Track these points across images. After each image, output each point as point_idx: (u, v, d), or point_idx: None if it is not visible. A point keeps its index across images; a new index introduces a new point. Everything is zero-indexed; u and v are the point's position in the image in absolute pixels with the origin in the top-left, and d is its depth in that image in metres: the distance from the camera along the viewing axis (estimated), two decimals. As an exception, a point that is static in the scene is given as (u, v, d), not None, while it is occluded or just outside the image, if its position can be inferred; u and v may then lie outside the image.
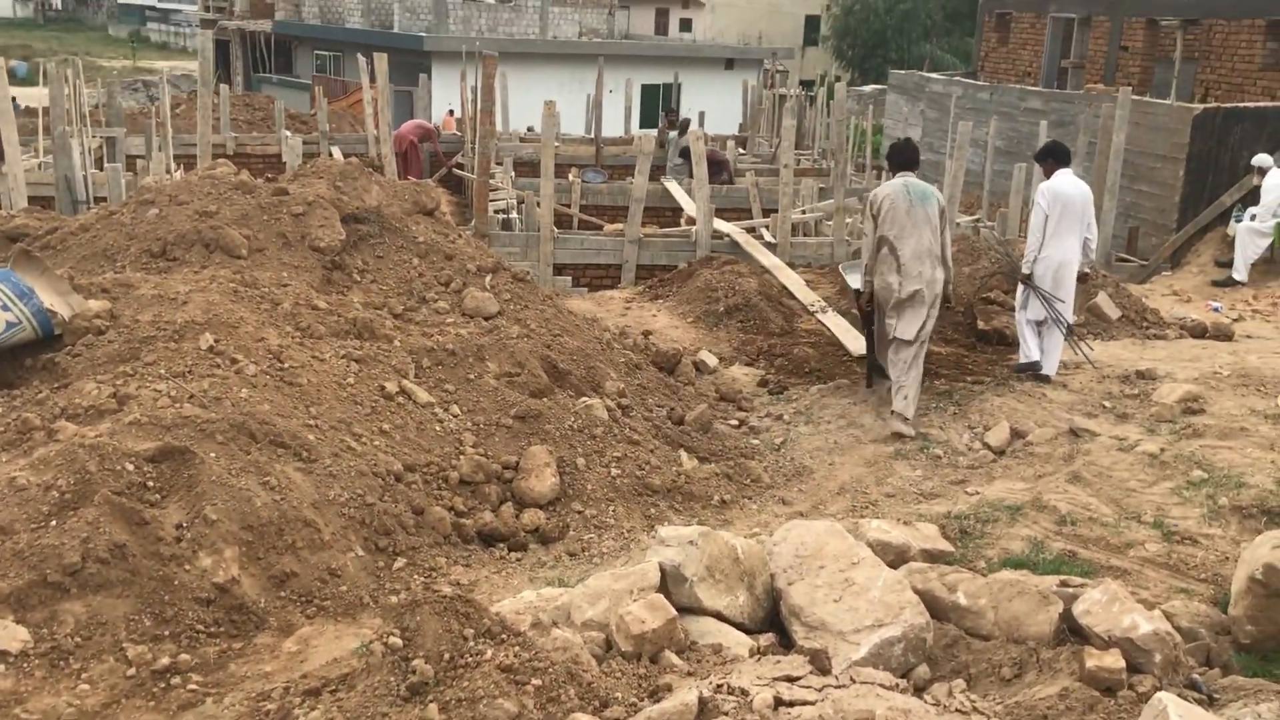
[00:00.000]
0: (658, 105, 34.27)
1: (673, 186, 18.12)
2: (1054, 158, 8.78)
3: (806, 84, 39.02)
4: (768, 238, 13.88)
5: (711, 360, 9.15)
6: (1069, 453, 7.07)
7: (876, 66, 45.55)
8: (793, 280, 11.77)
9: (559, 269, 13.34)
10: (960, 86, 24.29)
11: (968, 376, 8.87)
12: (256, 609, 4.74)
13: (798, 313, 10.72)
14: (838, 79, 25.90)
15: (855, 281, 9.01)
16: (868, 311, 8.44)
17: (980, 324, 10.02)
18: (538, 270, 12.89)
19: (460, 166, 20.85)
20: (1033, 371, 8.56)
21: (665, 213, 18.23)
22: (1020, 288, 8.72)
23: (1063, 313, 8.54)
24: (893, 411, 7.83)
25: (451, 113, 30.24)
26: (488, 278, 7.80)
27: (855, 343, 9.50)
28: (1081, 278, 8.77)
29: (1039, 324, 8.64)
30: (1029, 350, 8.63)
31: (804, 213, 15.89)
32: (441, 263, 7.83)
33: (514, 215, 15.37)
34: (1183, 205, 16.96)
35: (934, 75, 27.01)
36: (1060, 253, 8.48)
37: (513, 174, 18.65)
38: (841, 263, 11.16)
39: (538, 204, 13.66)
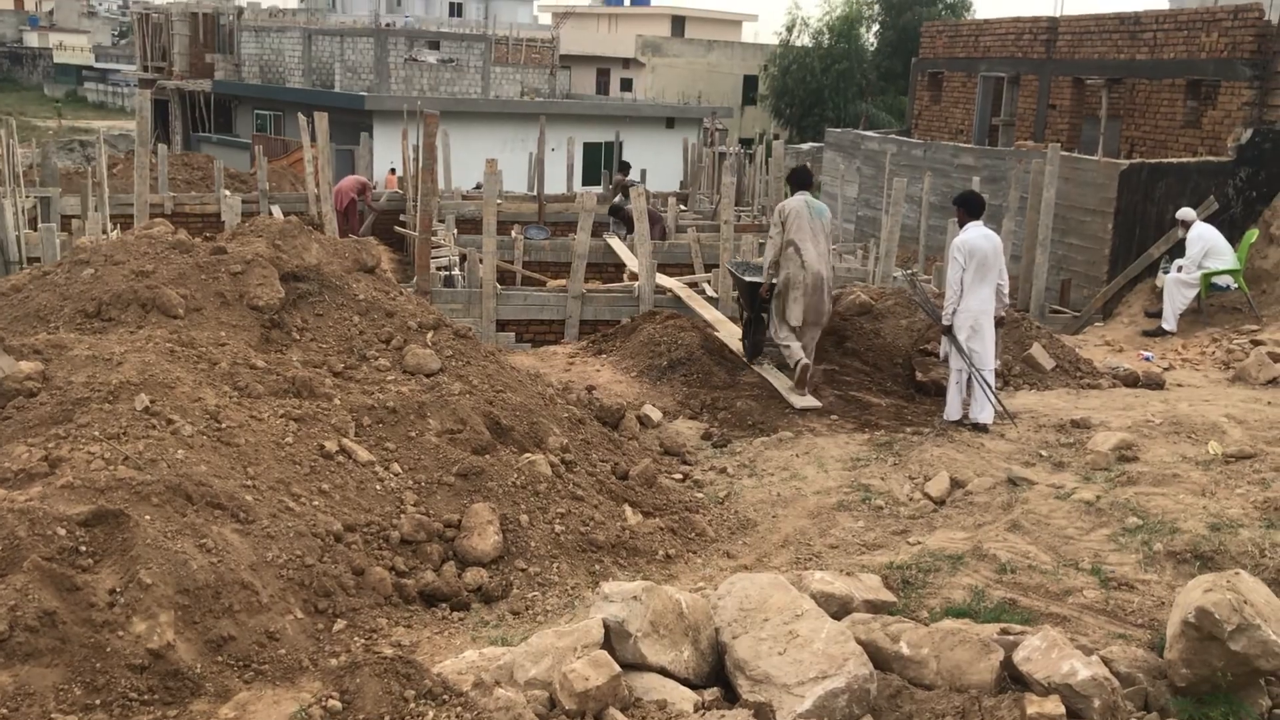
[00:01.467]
0: (600, 163, 34.60)
1: (615, 242, 18.25)
2: (966, 208, 9.12)
3: (745, 142, 39.65)
4: (710, 292, 14.01)
5: (655, 414, 9.17)
6: (1008, 501, 7.16)
7: (814, 124, 46.41)
8: (734, 335, 11.86)
9: (502, 325, 13.34)
10: (895, 144, 24.80)
11: (907, 427, 8.98)
12: (192, 675, 4.64)
13: (740, 366, 10.81)
14: (776, 137, 26.36)
15: (752, 276, 10.73)
16: (766, 300, 10.27)
17: (919, 375, 10.17)
18: (480, 326, 12.87)
19: (402, 224, 20.84)
20: (968, 426, 8.87)
21: (608, 268, 18.33)
22: (944, 340, 9.16)
23: (981, 361, 8.91)
24: (800, 366, 9.62)
25: (393, 171, 30.26)
26: (429, 334, 7.79)
27: (796, 396, 9.61)
28: (999, 322, 9.13)
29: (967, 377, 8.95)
30: (950, 407, 8.96)
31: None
32: (382, 320, 7.80)
33: (456, 272, 15.37)
34: (1112, 257, 17.40)
35: (869, 133, 27.58)
36: (977, 303, 8.88)
37: (455, 231, 18.68)
38: (730, 263, 12.36)
39: (480, 260, 13.68)
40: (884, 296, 11.38)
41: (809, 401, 9.53)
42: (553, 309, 13.51)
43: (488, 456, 6.66)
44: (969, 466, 7.85)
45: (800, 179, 10.35)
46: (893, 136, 26.46)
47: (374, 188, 22.77)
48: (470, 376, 7.46)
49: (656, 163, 33.28)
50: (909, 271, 16.51)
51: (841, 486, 7.70)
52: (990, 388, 9.00)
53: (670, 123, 38.52)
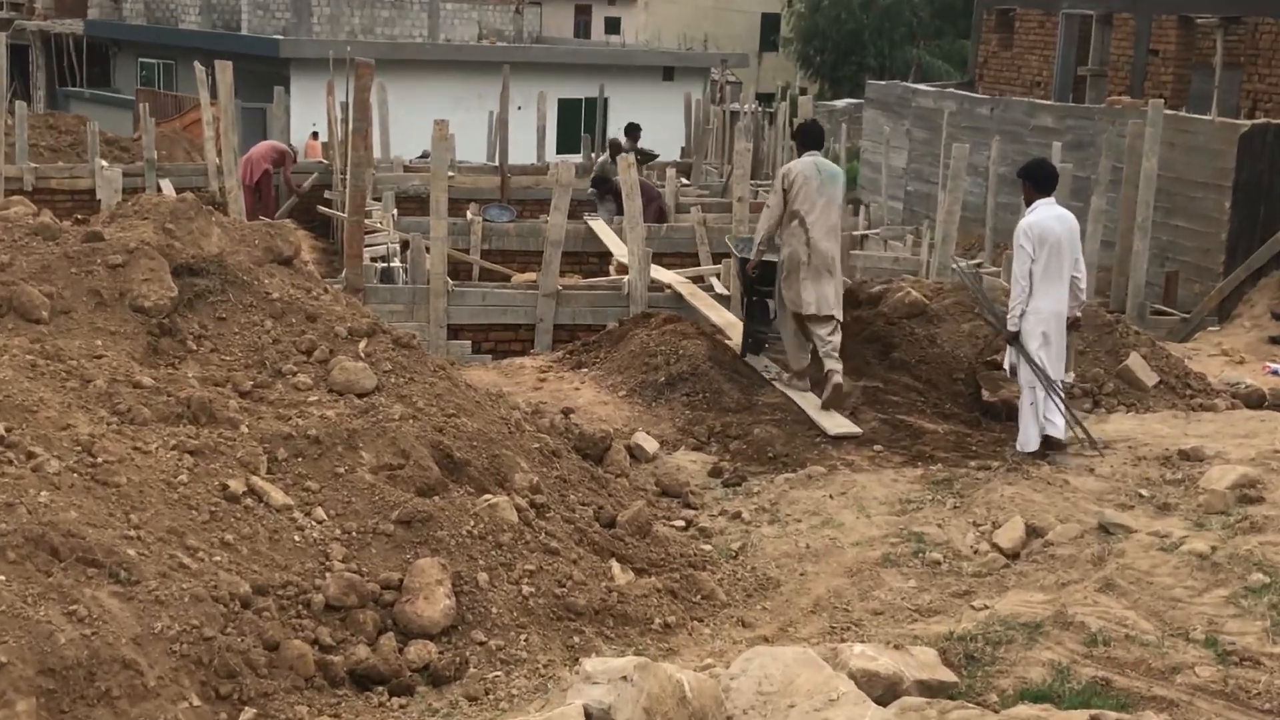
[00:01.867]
0: (579, 124, 34.70)
1: (599, 225, 18.30)
2: (1034, 182, 9.21)
3: (764, 98, 39.81)
4: (719, 289, 14.05)
5: (650, 444, 9.19)
6: (1099, 554, 7.18)
7: (851, 75, 46.62)
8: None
9: (454, 331, 13.35)
10: (954, 100, 24.94)
11: (971, 461, 9.02)
12: (58, 779, 4.63)
13: (758, 382, 10.82)
14: (803, 92, 26.49)
15: (745, 253, 11.09)
16: (754, 278, 10.83)
17: (986, 394, 10.21)
18: (427, 333, 12.87)
19: (328, 203, 20.89)
20: (1046, 454, 8.95)
21: (589, 258, 18.35)
22: (1009, 350, 9.22)
23: (1052, 374, 8.99)
24: (828, 373, 9.97)
25: (316, 135, 30.29)
26: (362, 343, 7.80)
27: (829, 420, 9.65)
28: (1073, 324, 9.24)
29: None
30: (1027, 434, 9.01)
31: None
32: (302, 325, 7.81)
33: (396, 264, 15.38)
34: (1230, 244, 17.48)
35: (922, 87, 27.75)
36: (1050, 303, 8.99)
37: (394, 212, 18.70)
38: (730, 237, 12.80)
39: (427, 249, 13.69)
40: (941, 294, 11.43)
41: (846, 427, 9.57)
42: (519, 310, 13.53)
43: (437, 499, 6.67)
44: (1049, 510, 7.87)
45: (809, 137, 10.63)
46: (952, 91, 26.62)
47: (295, 158, 22.82)
48: (414, 397, 7.47)
49: (652, 125, 33.28)
50: (973, 262, 16.55)
51: (888, 536, 7.71)
52: (1065, 405, 9.07)
53: (668, 74, 38.68)
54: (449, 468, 7.03)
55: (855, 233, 19.93)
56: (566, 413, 9.58)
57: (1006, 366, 9.43)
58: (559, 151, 32.63)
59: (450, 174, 19.13)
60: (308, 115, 30.29)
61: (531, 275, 15.19)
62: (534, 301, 13.52)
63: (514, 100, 25.41)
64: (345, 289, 12.21)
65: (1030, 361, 9.02)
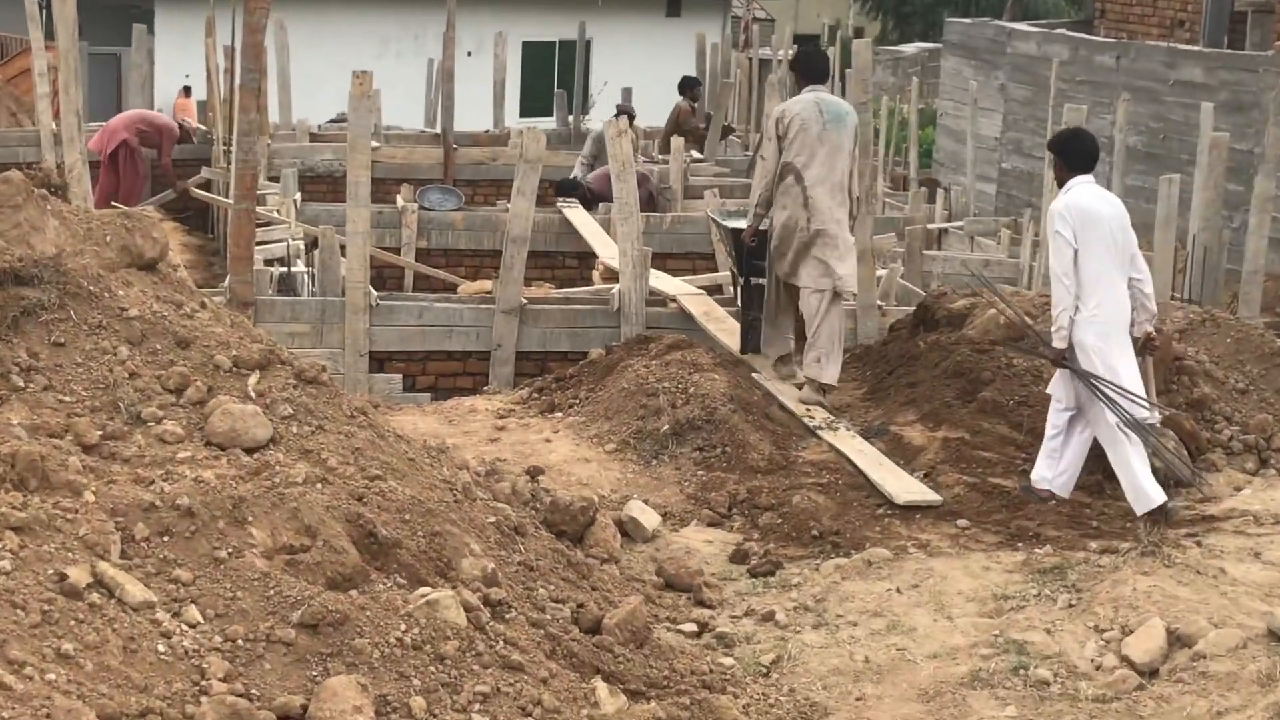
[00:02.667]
0: (553, 76, 34.76)
1: (578, 216, 18.31)
2: (1066, 156, 9.66)
3: (806, 41, 39.90)
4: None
5: (649, 518, 9.15)
6: (1268, 671, 7.14)
7: (924, 11, 46.79)
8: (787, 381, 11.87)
9: (380, 360, 13.35)
10: (1066, 45, 25.04)
11: (1091, 540, 8.99)
12: None
13: (796, 431, 10.79)
14: (857, 33, 26.60)
15: (735, 222, 12.09)
16: (751, 247, 11.64)
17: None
18: (342, 364, 12.86)
19: (206, 185, 20.87)
20: (1046, 496, 9.54)
21: (565, 260, 18.39)
22: (1057, 380, 9.58)
23: (1134, 404, 9.23)
24: (807, 380, 11.14)
25: (188, 91, 30.33)
26: (252, 378, 7.77)
27: (896, 483, 9.63)
28: (1146, 346, 9.59)
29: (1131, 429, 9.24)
30: (1143, 488, 9.25)
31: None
32: (171, 353, 7.78)
33: (300, 268, 15.37)
34: None
35: (1022, 26, 27.89)
36: (1111, 306, 9.33)
37: (298, 196, 18.73)
38: (713, 208, 13.89)
39: (342, 248, 13.67)
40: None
41: (919, 494, 9.59)
42: (469, 332, 13.53)
43: (355, 593, 6.62)
44: (1199, 609, 7.83)
45: (810, 67, 11.35)
46: (1063, 33, 26.72)
47: (191, 129, 22.72)
48: (324, 453, 7.44)
49: (649, 76, 33.47)
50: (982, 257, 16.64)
51: (977, 645, 7.67)
52: (1159, 444, 9.33)
53: (674, 7, 38.80)
54: (372, 550, 6.98)
55: (930, 225, 19.96)
56: (534, 474, 9.53)
57: (1056, 403, 9.62)
58: (524, 115, 32.75)
59: (374, 145, 19.17)
60: (178, 64, 30.39)
61: (486, 284, 15.18)
62: (489, 320, 13.51)
63: (462, 44, 25.50)
64: (230, 303, 12.17)
65: (1094, 387, 9.24)
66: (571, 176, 20.69)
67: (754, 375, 11.62)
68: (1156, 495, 9.22)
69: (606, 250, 16.25)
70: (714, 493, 9.70)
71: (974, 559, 8.79)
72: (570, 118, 27.65)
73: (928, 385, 10.68)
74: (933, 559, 8.79)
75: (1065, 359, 9.43)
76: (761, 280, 11.86)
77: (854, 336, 13.63)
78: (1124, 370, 9.37)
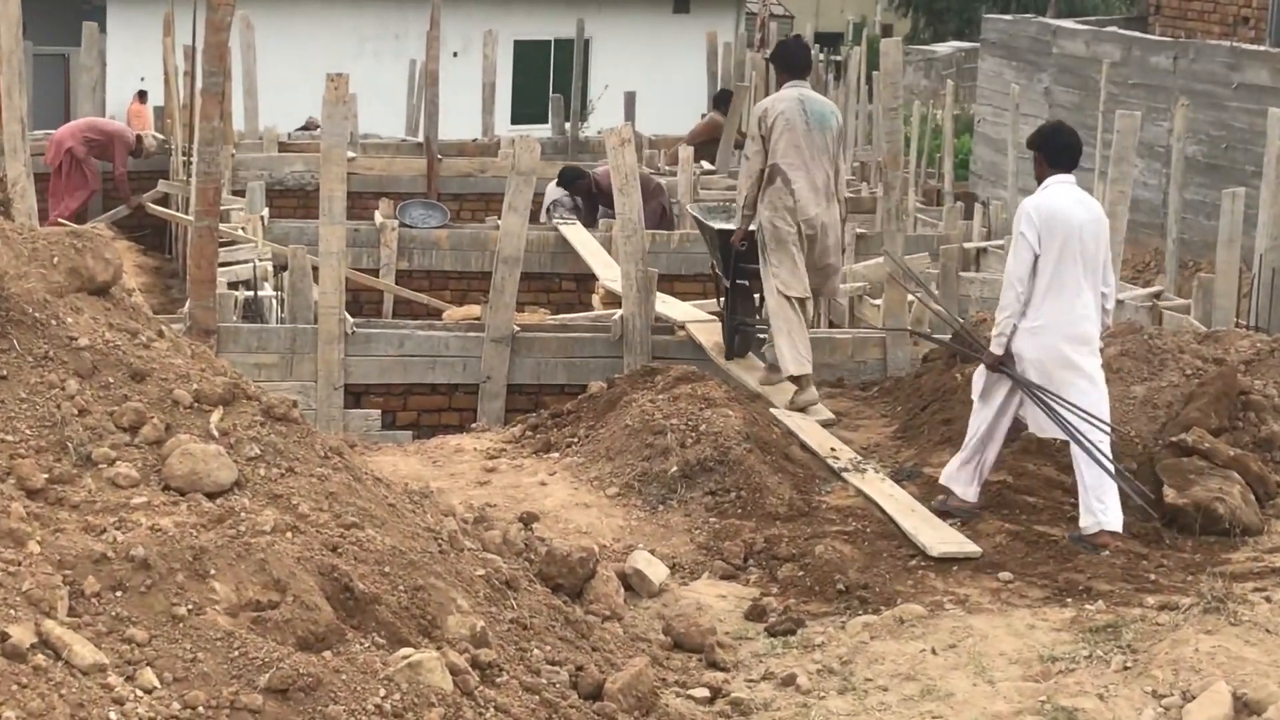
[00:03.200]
0: (547, 79, 34.80)
1: (576, 234, 18.31)
2: (1046, 152, 10.01)
3: (828, 40, 40.03)
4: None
5: (656, 570, 9.13)
6: (1347, 741, 7.11)
7: (960, 7, 46.89)
8: (810, 411, 11.84)
9: (357, 394, 13.33)
10: (1118, 44, 25.08)
11: (1147, 594, 8.98)
12: None
13: (819, 473, 10.76)
14: (886, 31, 26.61)
15: (723, 223, 12.74)
16: (740, 251, 12.28)
17: (1169, 494, 10.14)
18: (315, 398, 12.84)
19: (164, 199, 20.88)
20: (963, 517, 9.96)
21: (562, 283, 18.40)
22: (977, 380, 10.13)
23: (1086, 426, 9.57)
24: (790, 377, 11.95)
25: (144, 95, 30.34)
26: (215, 415, 7.76)
27: (930, 532, 9.61)
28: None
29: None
30: (1094, 508, 9.64)
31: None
32: (125, 388, 7.77)
33: (268, 291, 15.36)
34: None
35: (1068, 24, 27.95)
36: (1066, 318, 9.66)
37: (265, 212, 18.74)
38: (695, 205, 14.55)
39: (314, 269, 13.66)
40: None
41: (956, 543, 9.59)
42: (455, 363, 13.53)
43: (328, 654, 6.60)
44: (1269, 670, 7.80)
45: (792, 60, 12.00)
46: (1114, 30, 26.76)
47: (154, 140, 22.71)
48: (295, 498, 7.42)
49: (656, 80, 33.55)
50: (1152, 291, 16.53)
51: (1022, 712, 7.64)
52: (1111, 466, 9.59)
53: (682, 3, 38.86)
54: (348, 606, 6.96)
55: (967, 244, 19.95)
56: (527, 521, 9.51)
57: (976, 423, 10.05)
58: (516, 121, 32.78)
59: (351, 155, 19.17)
60: (132, 65, 30.45)
61: (474, 309, 15.16)
62: (477, 349, 13.51)
63: (448, 43, 25.55)
64: (190, 331, 12.15)
65: (1037, 397, 9.66)
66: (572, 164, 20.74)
67: (773, 411, 11.60)
68: (1112, 520, 9.58)
69: (607, 272, 16.23)
70: (728, 542, 9.67)
71: (1018, 616, 8.75)
72: (567, 125, 27.63)
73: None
74: (972, 616, 8.76)
75: (1003, 365, 9.79)
76: (746, 283, 12.54)
77: (883, 368, 13.63)
78: (1082, 384, 9.72)
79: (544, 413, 12.08)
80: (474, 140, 25.67)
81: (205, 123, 13.02)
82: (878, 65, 16.11)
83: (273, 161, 22.48)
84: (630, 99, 27.86)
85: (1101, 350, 10.01)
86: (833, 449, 11.00)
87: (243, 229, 17.60)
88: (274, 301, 15.00)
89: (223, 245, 14.90)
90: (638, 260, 13.64)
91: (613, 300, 15.02)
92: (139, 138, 22.08)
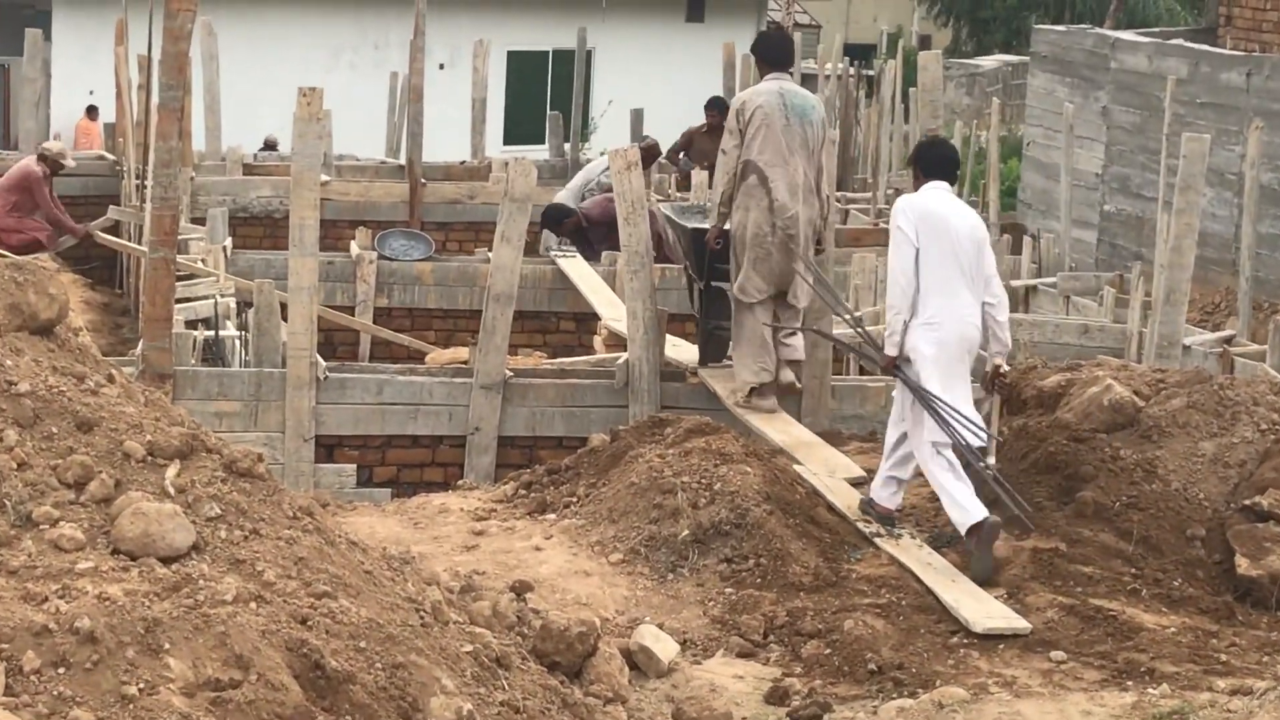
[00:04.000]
0: (545, 93, 34.84)
1: (575, 267, 18.31)
2: (923, 163, 11.00)
3: (858, 51, 40.11)
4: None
5: (665, 647, 9.12)
6: None
7: (1007, 17, 46.96)
8: (837, 467, 11.82)
9: (329, 447, 13.33)
10: (1185, 59, 25.11)
11: (1217, 676, 8.97)
12: None
13: (849, 538, 10.75)
14: (924, 43, 26.68)
15: (696, 222, 13.35)
16: (715, 251, 12.95)
17: (1243, 563, 10.13)
18: (283, 451, 12.84)
19: (113, 227, 20.88)
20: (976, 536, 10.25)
21: (560, 322, 18.39)
22: (899, 391, 10.83)
23: (965, 425, 10.28)
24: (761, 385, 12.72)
25: (93, 112, 30.39)
26: (171, 470, 7.76)
27: (974, 605, 9.59)
28: (996, 380, 10.93)
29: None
30: (961, 504, 10.33)
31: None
32: (69, 438, 7.78)
33: (230, 331, 15.37)
34: None
35: (1129, 35, 27.98)
36: (951, 319, 10.57)
37: (228, 242, 18.76)
38: (670, 205, 15.27)
39: (282, 307, 13.66)
40: (1164, 389, 11.42)
41: (1003, 618, 9.56)
42: (439, 413, 13.53)
43: (297, 741, 6.59)
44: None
45: (773, 50, 12.82)
46: (1180, 44, 26.80)
47: (56, 155, 22.62)
48: (260, 563, 7.42)
49: (665, 94, 33.56)
50: (1223, 336, 16.54)
51: (1076, 811, 7.62)
52: (991, 475, 10.38)
53: (696, 10, 38.93)
54: (318, 686, 6.96)
55: (1015, 282, 19.97)
56: (520, 591, 9.50)
57: (894, 418, 10.92)
58: (510, 142, 32.85)
59: (324, 178, 19.21)
60: (81, 76, 30.52)
61: (462, 352, 15.17)
62: (465, 397, 13.50)
63: (433, 54, 25.61)
64: (144, 375, 12.14)
65: (925, 400, 10.29)
66: (557, 201, 20.70)
67: (798, 469, 11.59)
68: (977, 511, 10.16)
69: (611, 310, 16.24)
70: (746, 615, 9.65)
71: (1072, 701, 8.74)
72: (566, 145, 27.66)
73: (1013, 482, 10.63)
74: (1020, 700, 8.74)
75: (897, 368, 10.61)
76: (723, 284, 13.19)
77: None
78: (960, 391, 10.48)
79: (539, 469, 12.06)
80: (462, 163, 25.68)
81: (162, 142, 13.05)
82: (914, 81, 16.11)
83: (236, 185, 22.49)
84: (637, 117, 27.89)
85: (1002, 374, 10.90)
86: (863, 515, 10.98)
87: (202, 261, 17.59)
88: (237, 342, 15.00)
89: (180, 279, 14.89)
90: (645, 297, 13.63)
91: (617, 342, 15.03)
92: (44, 157, 21.21)
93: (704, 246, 13.02)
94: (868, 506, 10.89)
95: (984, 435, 10.43)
